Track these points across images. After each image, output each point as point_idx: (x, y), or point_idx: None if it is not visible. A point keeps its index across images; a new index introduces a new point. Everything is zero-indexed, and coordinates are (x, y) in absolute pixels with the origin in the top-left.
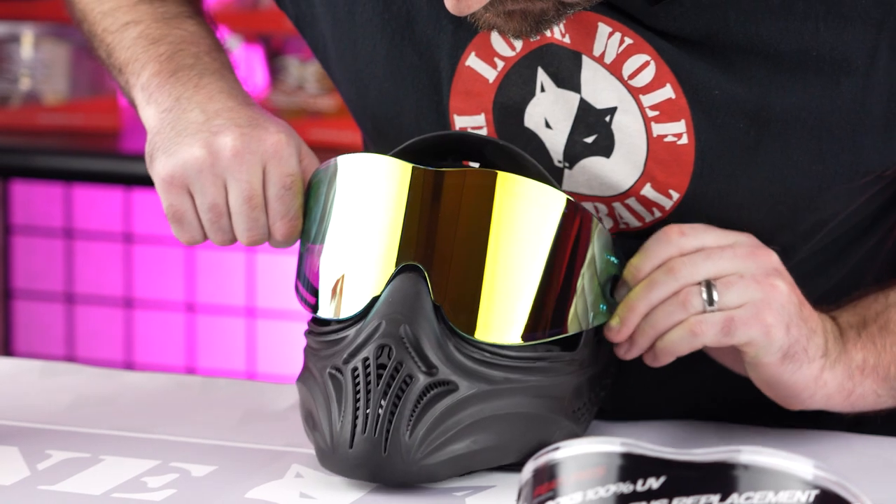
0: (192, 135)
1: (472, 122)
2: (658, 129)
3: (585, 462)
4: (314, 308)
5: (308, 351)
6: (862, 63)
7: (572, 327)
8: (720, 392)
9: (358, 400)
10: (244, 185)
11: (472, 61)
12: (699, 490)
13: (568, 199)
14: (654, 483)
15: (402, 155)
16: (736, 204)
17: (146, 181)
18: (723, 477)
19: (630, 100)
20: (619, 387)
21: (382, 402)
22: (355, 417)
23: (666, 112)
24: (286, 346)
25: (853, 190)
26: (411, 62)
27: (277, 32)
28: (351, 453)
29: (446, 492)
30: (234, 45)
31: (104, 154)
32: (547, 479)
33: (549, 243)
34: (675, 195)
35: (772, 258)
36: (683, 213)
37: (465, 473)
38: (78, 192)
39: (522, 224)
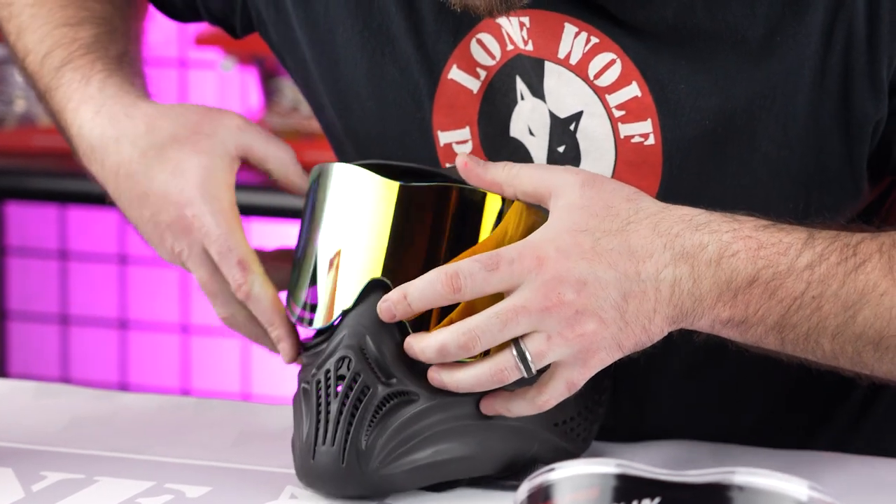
0: (145, 227)
1: (456, 137)
2: (625, 129)
3: (580, 483)
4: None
5: (301, 368)
6: (821, 45)
7: None
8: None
9: (319, 412)
10: (198, 278)
11: (455, 73)
12: None
13: (537, 210)
14: None
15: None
16: (708, 201)
17: None
18: (717, 498)
19: (596, 101)
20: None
21: (342, 413)
22: (317, 429)
23: (632, 111)
24: (280, 368)
25: (827, 179)
26: (393, 79)
27: (272, 54)
28: (313, 464)
29: None
30: (229, 66)
31: None
32: (542, 499)
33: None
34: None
35: (572, 278)
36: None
37: (431, 484)
38: (72, 214)
39: (488, 241)
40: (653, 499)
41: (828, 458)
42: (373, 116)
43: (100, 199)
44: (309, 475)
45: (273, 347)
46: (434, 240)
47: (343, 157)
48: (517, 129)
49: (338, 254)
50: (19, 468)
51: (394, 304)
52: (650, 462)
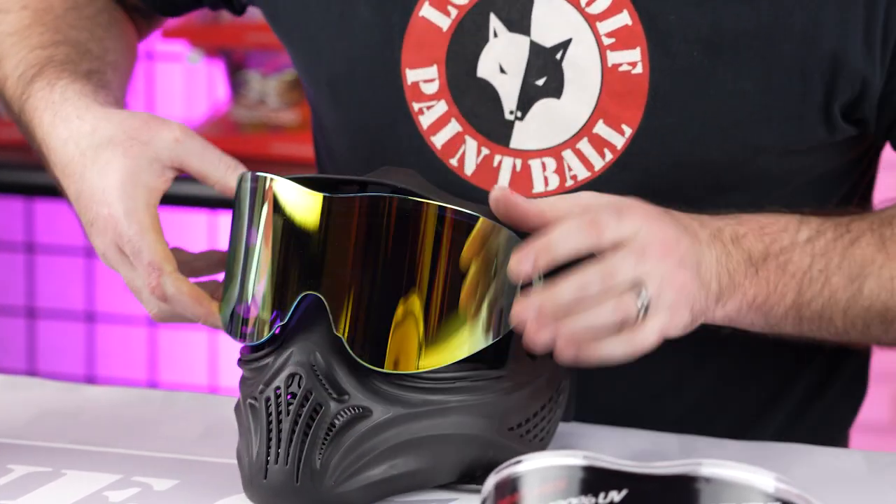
0: (84, 227)
1: (423, 75)
2: (613, 57)
3: (547, 475)
4: (226, 329)
5: (241, 381)
6: None
7: (477, 345)
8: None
9: (270, 430)
10: (123, 277)
11: (426, 11)
12: (661, 503)
13: (481, 218)
14: (615, 496)
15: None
16: (687, 139)
17: None
18: (685, 490)
19: (586, 28)
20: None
21: (294, 432)
22: (268, 447)
23: (622, 40)
24: None
25: (805, 129)
26: (364, 19)
27: (239, 47)
28: (266, 483)
29: None
30: (196, 59)
31: None
32: (509, 492)
33: (449, 266)
34: (628, 130)
35: (670, 236)
36: (635, 153)
37: (384, 499)
38: (39, 207)
39: (419, 248)
40: (620, 490)
41: (795, 450)
42: (342, 57)
43: None
44: (261, 493)
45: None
46: (365, 250)
47: (317, 99)
48: (486, 69)
49: (268, 267)
50: None
51: (537, 251)
52: (617, 453)
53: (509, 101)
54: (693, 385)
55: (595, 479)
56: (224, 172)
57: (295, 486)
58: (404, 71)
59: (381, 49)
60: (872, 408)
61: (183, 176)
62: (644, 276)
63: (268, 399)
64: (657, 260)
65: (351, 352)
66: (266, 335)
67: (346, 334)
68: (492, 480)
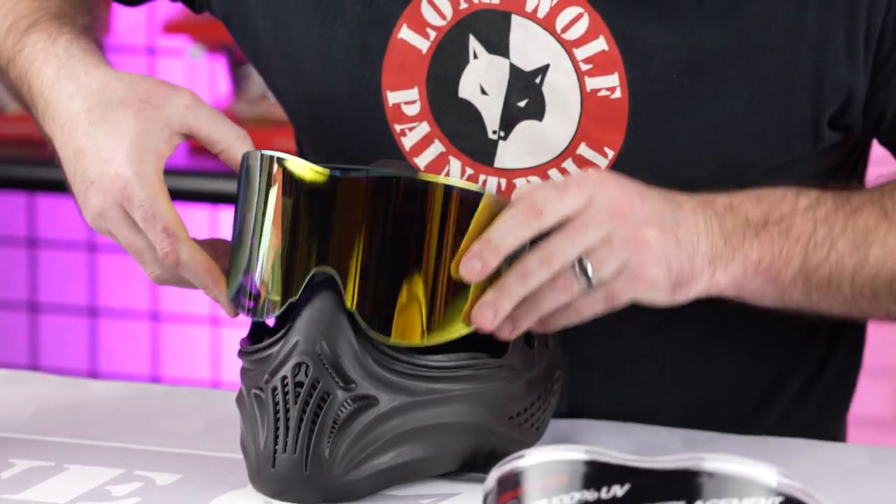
0: (74, 184)
1: (404, 97)
2: (591, 83)
3: (550, 469)
4: (233, 302)
5: (242, 372)
6: (795, 4)
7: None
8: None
9: (278, 419)
10: (120, 238)
11: (405, 33)
12: (663, 497)
13: (486, 193)
14: (618, 490)
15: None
16: (671, 160)
17: None
18: (687, 484)
19: (563, 55)
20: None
21: (302, 420)
22: (276, 437)
23: (599, 65)
24: None
25: (793, 143)
26: (343, 41)
27: None
28: (273, 473)
29: (411, 499)
30: (197, 54)
31: None
32: (511, 486)
33: (457, 240)
34: (611, 153)
35: (625, 194)
36: (619, 172)
37: (390, 487)
38: (42, 202)
39: (431, 225)
40: (622, 485)
41: (798, 445)
42: (323, 79)
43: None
44: (269, 483)
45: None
46: (375, 226)
47: (298, 123)
48: (467, 90)
49: (279, 244)
50: None
51: (479, 253)
52: (619, 447)
53: (492, 121)
54: (691, 379)
55: (598, 474)
56: (233, 141)
57: (303, 474)
58: (385, 93)
59: (361, 71)
60: (873, 403)
61: (184, 170)
62: (589, 247)
63: (274, 389)
64: (609, 224)
65: (361, 322)
66: (277, 311)
67: (355, 306)
68: (494, 475)
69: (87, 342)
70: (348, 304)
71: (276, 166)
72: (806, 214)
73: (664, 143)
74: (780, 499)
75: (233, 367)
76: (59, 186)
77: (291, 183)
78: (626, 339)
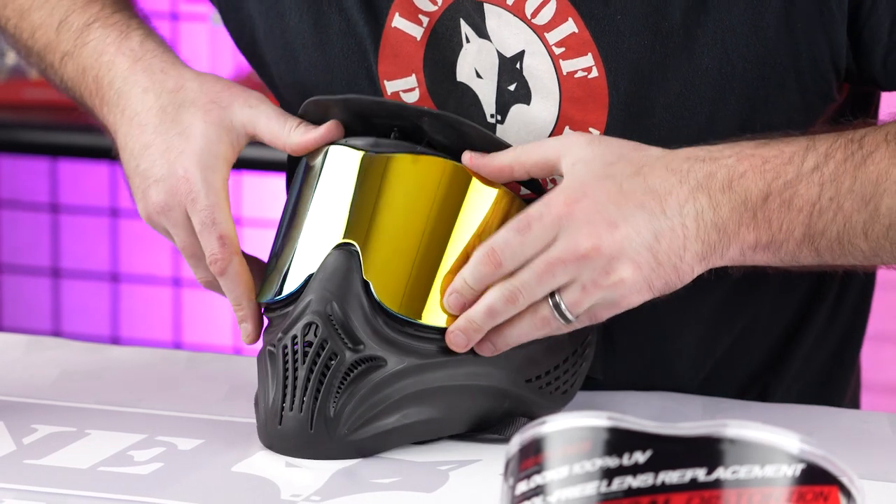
0: (134, 178)
1: (403, 85)
2: (567, 65)
3: (572, 436)
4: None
5: (265, 329)
6: None
7: None
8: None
9: (287, 377)
10: (178, 240)
11: (398, 22)
12: (685, 464)
13: (501, 188)
14: (640, 457)
15: (344, 113)
16: (656, 125)
17: None
18: (709, 451)
19: (536, 40)
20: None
21: (309, 380)
22: (284, 395)
23: (572, 47)
24: None
25: (773, 94)
26: (339, 29)
27: None
28: (280, 430)
29: (430, 465)
30: (219, 20)
31: (90, 129)
32: (533, 453)
33: (477, 225)
34: (596, 132)
35: (594, 225)
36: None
37: (398, 447)
38: (64, 167)
39: (451, 206)
40: (644, 451)
41: (819, 412)
42: (319, 67)
43: (91, 152)
44: (275, 439)
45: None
46: (398, 205)
47: (290, 111)
48: (464, 73)
49: (304, 221)
50: (11, 421)
51: (460, 291)
52: (640, 414)
53: (488, 105)
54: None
55: (619, 441)
56: (288, 134)
57: (309, 433)
58: (382, 82)
59: (358, 61)
60: (894, 370)
61: None
62: (557, 287)
63: (285, 347)
64: (576, 267)
65: (376, 296)
66: (297, 286)
67: (374, 279)
68: (516, 441)
69: (109, 308)
70: (364, 274)
71: (324, 153)
72: (812, 177)
73: (646, 111)
74: (801, 466)
75: None
76: (82, 152)
77: (324, 165)
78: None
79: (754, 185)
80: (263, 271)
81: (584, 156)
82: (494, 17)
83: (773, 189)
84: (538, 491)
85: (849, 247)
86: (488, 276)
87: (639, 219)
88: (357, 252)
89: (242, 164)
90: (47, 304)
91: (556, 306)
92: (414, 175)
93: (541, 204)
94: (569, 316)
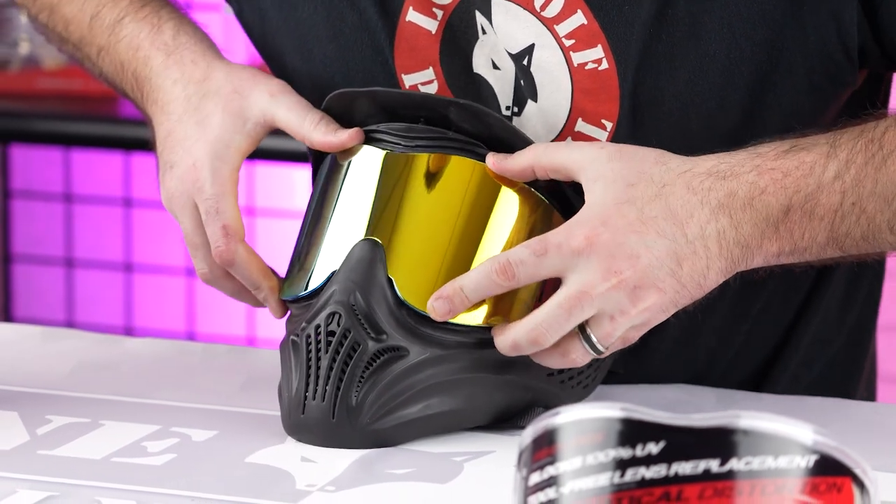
0: (159, 165)
1: (421, 78)
2: (577, 57)
3: (585, 427)
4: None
5: (288, 318)
6: None
7: (518, 310)
8: (722, 358)
9: (310, 367)
10: (182, 228)
11: (412, 15)
12: (698, 455)
13: (522, 185)
14: (653, 448)
15: (370, 105)
16: (666, 114)
17: (145, 145)
18: (722, 442)
19: (546, 32)
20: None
21: (332, 370)
22: (307, 384)
23: (582, 39)
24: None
25: (779, 77)
26: (352, 22)
27: None
28: (303, 419)
29: (444, 456)
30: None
31: (103, 118)
32: (546, 444)
33: (505, 225)
34: (609, 124)
35: (613, 260)
36: (622, 140)
37: (419, 438)
38: (77, 157)
39: (478, 205)
40: (657, 442)
41: (833, 404)
42: (335, 60)
43: (105, 141)
44: (298, 428)
45: (253, 302)
46: (425, 204)
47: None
48: (480, 65)
49: (330, 218)
50: (25, 412)
51: (450, 298)
52: (653, 406)
53: (505, 96)
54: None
55: (633, 432)
56: (310, 130)
57: (331, 422)
58: (400, 75)
59: (373, 54)
60: None
61: None
62: (585, 318)
63: (308, 336)
64: (602, 301)
65: (399, 293)
66: (321, 282)
67: (398, 276)
68: (529, 432)
69: (123, 298)
70: (388, 271)
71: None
72: (833, 186)
73: (656, 101)
74: (815, 457)
75: (268, 324)
76: (95, 142)
77: (349, 162)
78: None
79: (775, 201)
80: (265, 269)
81: (605, 173)
82: (502, 11)
83: (795, 203)
84: (551, 482)
85: (874, 242)
86: (493, 288)
87: (660, 247)
88: (381, 246)
89: (255, 154)
90: (61, 294)
91: (587, 339)
92: (443, 175)
93: (562, 233)
94: (600, 348)
